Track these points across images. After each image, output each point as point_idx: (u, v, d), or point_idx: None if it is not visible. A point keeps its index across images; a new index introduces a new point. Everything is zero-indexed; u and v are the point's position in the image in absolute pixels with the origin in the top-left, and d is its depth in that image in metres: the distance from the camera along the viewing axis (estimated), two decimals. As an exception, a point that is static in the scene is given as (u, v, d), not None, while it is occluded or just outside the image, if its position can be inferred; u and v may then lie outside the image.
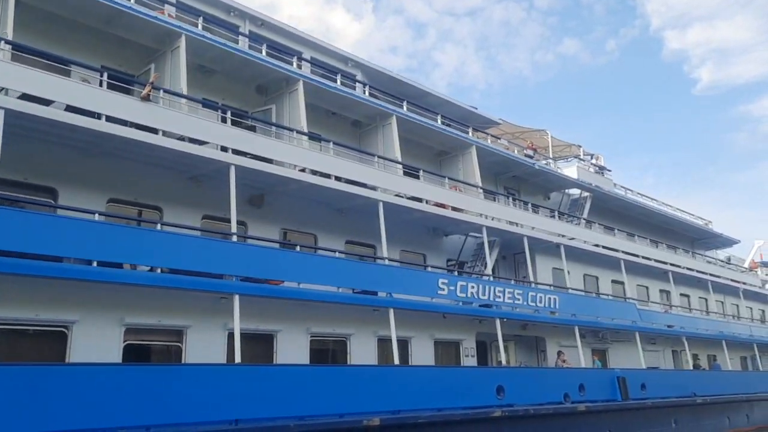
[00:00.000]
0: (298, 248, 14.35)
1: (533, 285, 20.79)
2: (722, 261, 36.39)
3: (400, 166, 17.97)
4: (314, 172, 15.48)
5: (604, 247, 25.43)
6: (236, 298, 12.36)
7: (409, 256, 19.56)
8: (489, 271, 19.75)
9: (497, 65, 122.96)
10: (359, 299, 15.30)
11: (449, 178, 19.37)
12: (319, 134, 16.82)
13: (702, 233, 36.21)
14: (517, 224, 21.27)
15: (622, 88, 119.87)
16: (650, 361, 27.19)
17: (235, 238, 12.98)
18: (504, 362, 18.34)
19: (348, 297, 14.92)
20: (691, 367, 28.35)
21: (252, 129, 15.31)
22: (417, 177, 18.31)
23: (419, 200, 17.97)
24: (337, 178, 15.90)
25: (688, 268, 31.19)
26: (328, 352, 15.72)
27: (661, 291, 29.47)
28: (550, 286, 21.70)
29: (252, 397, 11.93)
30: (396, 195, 17.45)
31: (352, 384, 14.05)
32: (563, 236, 23.52)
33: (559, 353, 21.24)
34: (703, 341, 30.33)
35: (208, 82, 15.74)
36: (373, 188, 16.50)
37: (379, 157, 17.25)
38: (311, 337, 15.02)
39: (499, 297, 18.88)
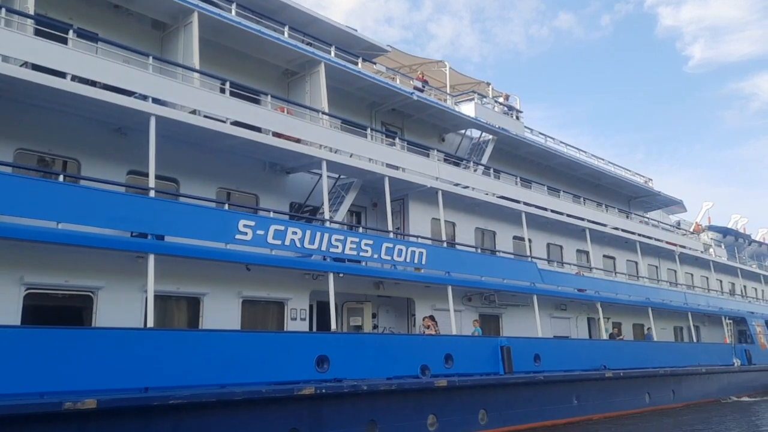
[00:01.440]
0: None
1: (391, 235, 17.12)
2: (657, 221, 32.96)
3: (202, 79, 14.09)
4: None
5: (503, 197, 21.86)
6: None
7: (233, 196, 15.79)
8: (330, 214, 16.07)
9: (492, 38, 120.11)
10: (101, 240, 11.48)
11: (273, 97, 15.47)
12: (58, 21, 12.75)
13: (639, 191, 32.74)
14: (381, 163, 17.57)
15: (615, 64, 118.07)
16: (558, 330, 23.95)
17: None
18: (335, 327, 14.71)
19: (77, 237, 11.07)
20: (606, 337, 25.10)
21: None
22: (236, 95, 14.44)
23: (253, 128, 14.27)
24: (92, 83, 12.01)
25: (615, 228, 27.81)
26: (60, 311, 11.95)
27: (578, 251, 26.04)
28: (417, 237, 18.06)
29: None
30: (192, 112, 13.60)
31: (74, 353, 10.40)
32: (458, 184, 19.93)
33: (426, 318, 17.77)
34: (628, 309, 27.11)
35: None
36: (143, 98, 12.60)
37: (155, 58, 13.26)
38: (27, 290, 11.23)
39: (337, 247, 15.22)
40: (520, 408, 18.86)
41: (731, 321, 33.32)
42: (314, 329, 16.23)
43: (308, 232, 14.57)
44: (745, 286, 41.27)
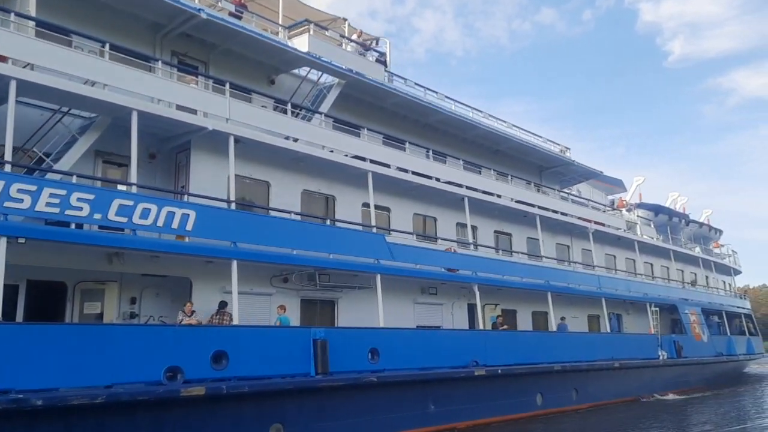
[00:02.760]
0: None
1: (134, 189, 12.54)
2: (567, 194, 28.82)
3: None
4: None
5: (357, 157, 17.55)
6: None
7: None
8: (48, 161, 11.50)
9: (475, 32, 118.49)
10: None
11: None
12: None
13: (550, 160, 28.52)
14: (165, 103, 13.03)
15: (596, 59, 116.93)
16: (425, 319, 19.72)
17: None
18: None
19: None
20: (489, 326, 20.92)
21: None
22: None
23: None
24: None
25: (517, 201, 23.65)
26: None
27: (459, 225, 21.73)
28: (182, 196, 13.54)
29: None
30: None
31: None
32: (289, 137, 15.57)
33: (189, 303, 13.29)
34: (525, 294, 22.94)
35: None
36: None
37: None
38: None
39: (21, 202, 10.62)
40: (340, 419, 14.64)
41: (657, 309, 29.37)
42: (18, 319, 11.69)
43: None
44: (682, 271, 37.54)
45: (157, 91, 13.30)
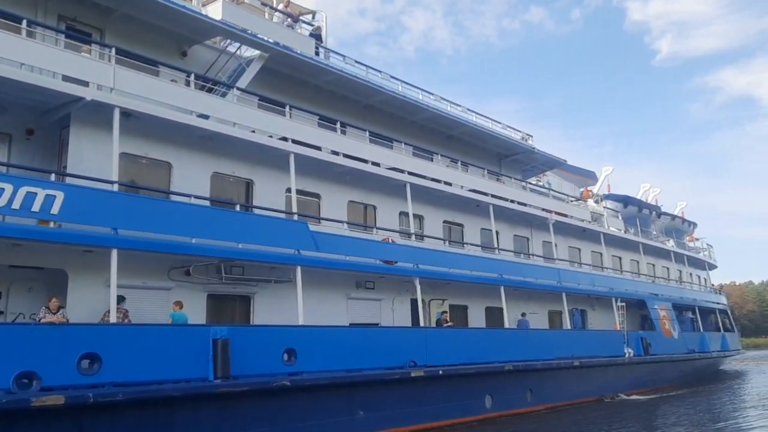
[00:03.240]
0: None
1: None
2: (526, 183, 27.22)
3: None
4: None
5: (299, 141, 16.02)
6: None
7: None
8: None
9: (464, 31, 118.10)
10: None
11: None
12: None
13: (510, 147, 26.90)
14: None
15: (585, 57, 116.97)
16: (361, 315, 18.09)
17: None
18: None
19: None
20: (430, 324, 19.32)
21: None
22: None
23: None
24: None
25: (470, 190, 22.03)
26: None
27: (402, 214, 20.06)
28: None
29: None
30: None
31: None
32: (203, 115, 13.97)
33: (55, 299, 11.49)
34: (477, 289, 21.35)
35: None
36: None
37: None
38: None
39: None
40: (246, 429, 12.98)
41: (624, 304, 27.93)
42: None
43: None
44: (653, 265, 36.17)
45: (19, 54, 11.51)
